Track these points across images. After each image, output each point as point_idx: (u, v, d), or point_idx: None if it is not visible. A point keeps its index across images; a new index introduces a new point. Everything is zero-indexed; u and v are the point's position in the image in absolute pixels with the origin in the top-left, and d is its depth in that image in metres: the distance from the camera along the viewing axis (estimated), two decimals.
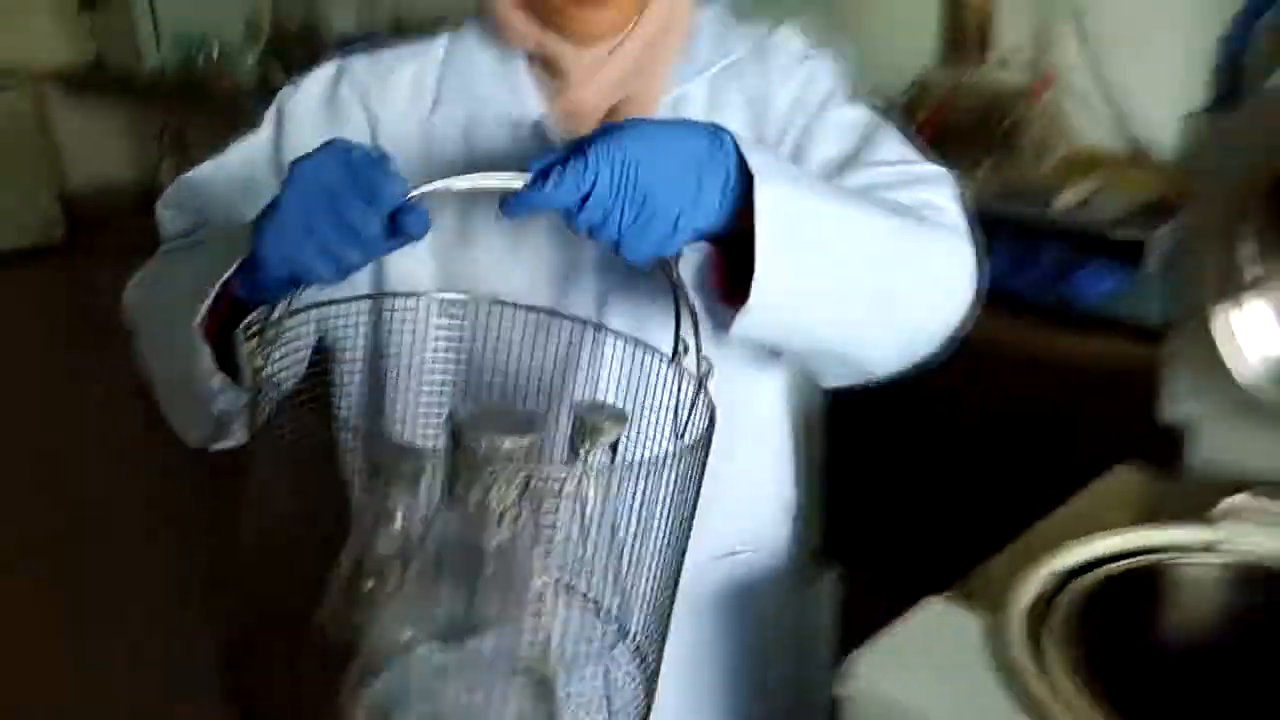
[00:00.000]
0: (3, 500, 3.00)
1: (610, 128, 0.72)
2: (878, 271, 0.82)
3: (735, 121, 0.90)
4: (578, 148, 0.71)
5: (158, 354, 0.91)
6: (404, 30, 1.15)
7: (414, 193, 0.71)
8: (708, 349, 0.76)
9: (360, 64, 0.99)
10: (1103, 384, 1.56)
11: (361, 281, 0.88)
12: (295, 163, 0.73)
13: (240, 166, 0.99)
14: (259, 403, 0.72)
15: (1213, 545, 0.88)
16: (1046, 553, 0.86)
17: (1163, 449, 1.04)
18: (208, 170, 1.00)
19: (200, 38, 4.27)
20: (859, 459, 1.77)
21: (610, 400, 0.80)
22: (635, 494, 0.69)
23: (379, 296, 0.91)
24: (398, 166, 0.73)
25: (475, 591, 0.67)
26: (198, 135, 4.27)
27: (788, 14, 1.01)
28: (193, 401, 0.86)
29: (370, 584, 0.71)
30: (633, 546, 0.72)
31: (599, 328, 0.86)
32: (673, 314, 0.79)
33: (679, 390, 0.77)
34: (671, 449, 0.72)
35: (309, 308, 0.79)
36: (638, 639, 0.76)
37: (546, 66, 0.95)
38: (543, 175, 0.71)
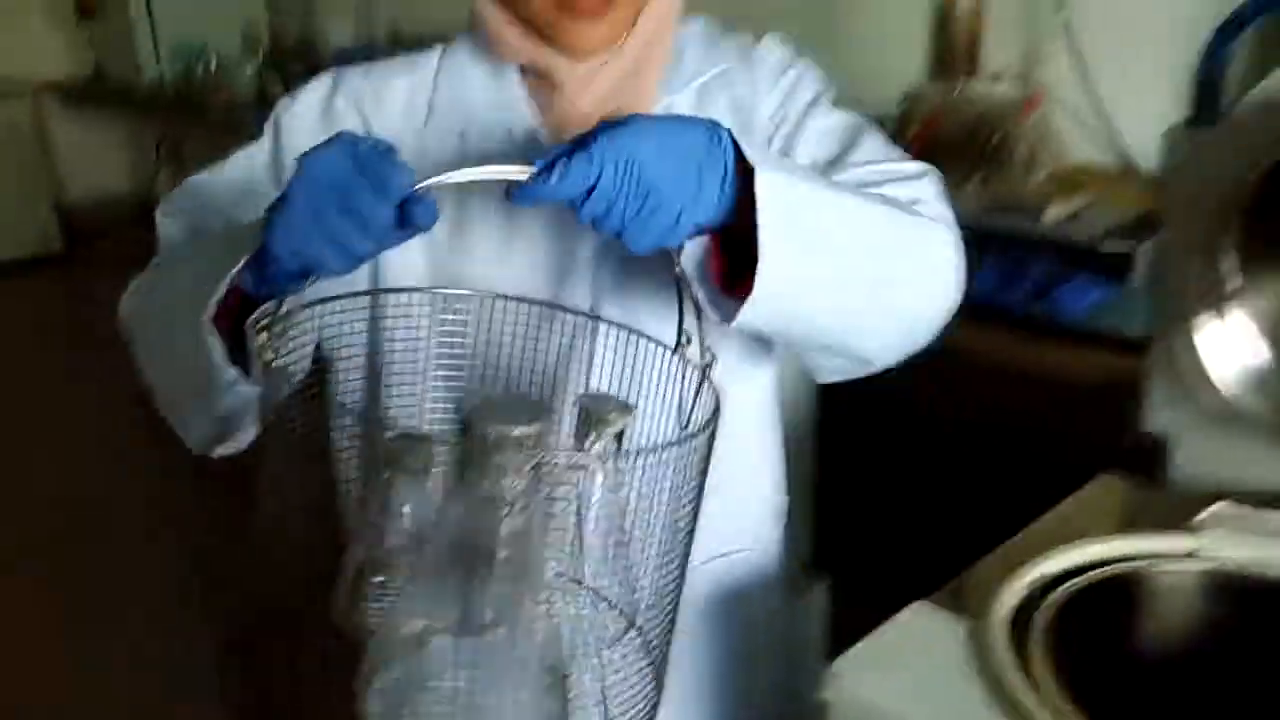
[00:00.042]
0: (3, 500, 3.00)
1: (612, 124, 0.73)
2: (877, 259, 0.83)
3: None
4: (582, 143, 0.72)
5: (159, 359, 0.91)
6: (401, 43, 1.17)
7: (422, 184, 0.71)
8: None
9: (355, 76, 1.00)
10: (1090, 396, 1.57)
11: (358, 278, 0.89)
12: (303, 156, 0.73)
13: (240, 176, 1.00)
14: (269, 396, 0.73)
15: (1193, 553, 0.89)
16: (1030, 559, 0.87)
17: (1147, 459, 1.05)
18: (208, 177, 1.01)
19: (199, 50, 4.28)
20: (848, 470, 1.79)
21: (612, 392, 0.81)
22: (643, 482, 0.70)
23: (379, 293, 0.92)
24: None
25: (488, 580, 0.66)
26: (195, 147, 4.27)
27: (778, 29, 1.02)
28: (197, 404, 0.87)
29: (381, 576, 0.71)
30: (641, 536, 0.72)
31: (599, 321, 0.87)
32: (666, 306, 0.79)
33: (683, 381, 0.78)
34: (677, 436, 0.72)
35: (313, 304, 0.80)
36: (645, 629, 0.76)
37: (539, 79, 0.96)
38: (548, 168, 0.71)
